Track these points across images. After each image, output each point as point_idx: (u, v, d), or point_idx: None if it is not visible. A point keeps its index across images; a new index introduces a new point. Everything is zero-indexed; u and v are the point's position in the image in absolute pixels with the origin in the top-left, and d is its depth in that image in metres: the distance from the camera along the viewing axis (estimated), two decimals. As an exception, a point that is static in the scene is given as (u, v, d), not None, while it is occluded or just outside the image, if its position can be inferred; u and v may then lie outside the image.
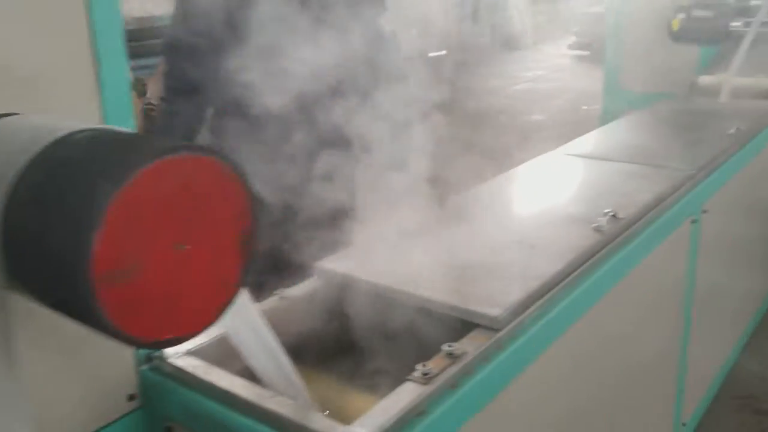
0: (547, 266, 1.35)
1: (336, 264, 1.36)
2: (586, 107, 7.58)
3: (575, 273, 1.39)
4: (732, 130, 2.29)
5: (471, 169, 2.74)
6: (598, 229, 1.53)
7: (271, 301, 1.29)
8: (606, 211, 1.58)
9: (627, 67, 3.72)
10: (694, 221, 1.95)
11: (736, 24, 3.23)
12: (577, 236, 1.51)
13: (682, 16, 3.31)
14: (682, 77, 3.45)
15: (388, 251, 1.38)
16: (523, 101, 8.36)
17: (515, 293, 1.24)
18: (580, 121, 6.74)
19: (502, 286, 1.28)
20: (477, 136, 6.46)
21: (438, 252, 1.40)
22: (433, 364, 1.05)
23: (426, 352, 1.11)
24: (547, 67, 10.84)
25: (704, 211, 2.01)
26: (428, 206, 1.59)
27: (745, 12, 3.27)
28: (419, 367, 1.03)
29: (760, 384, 2.56)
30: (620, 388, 1.69)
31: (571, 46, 11.72)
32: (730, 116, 2.57)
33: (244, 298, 0.86)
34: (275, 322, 1.27)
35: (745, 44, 3.04)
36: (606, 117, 3.79)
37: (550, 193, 1.81)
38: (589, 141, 2.36)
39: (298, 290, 1.33)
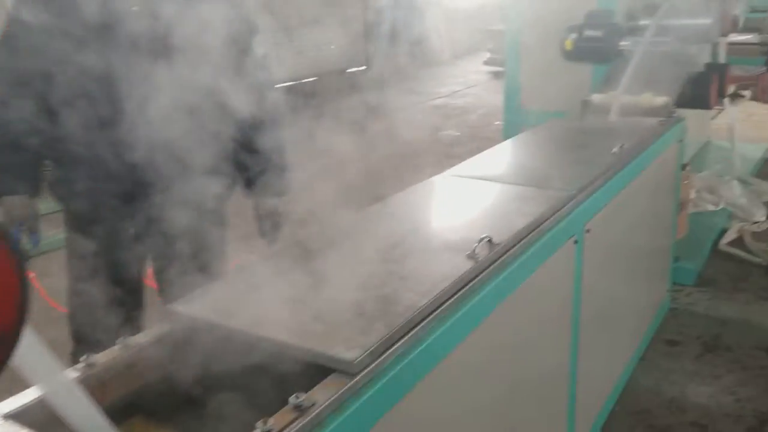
0: (416, 299, 1.30)
1: (186, 306, 1.27)
2: (498, 122, 7.72)
3: (446, 305, 1.34)
4: (616, 149, 2.32)
5: (364, 194, 2.69)
6: (472, 256, 1.50)
7: (113, 351, 1.18)
8: (482, 236, 1.55)
9: (526, 85, 3.79)
10: (576, 241, 1.95)
11: (625, 43, 3.32)
12: (451, 265, 1.47)
13: (574, 36, 3.38)
14: (578, 96, 3.52)
15: (244, 290, 1.29)
16: (439, 116, 8.43)
17: (376, 332, 1.18)
18: (492, 137, 6.84)
19: (364, 325, 1.21)
20: (383, 155, 6.44)
21: (299, 290, 1.33)
22: (276, 420, 0.97)
23: (278, 401, 1.04)
24: (463, 82, 11.01)
25: (587, 231, 2.02)
26: (296, 237, 1.52)
27: (634, 31, 3.37)
28: (259, 425, 0.95)
29: (654, 399, 2.60)
30: (507, 416, 1.66)
31: (486, 62, 11.94)
32: (616, 134, 2.62)
33: (53, 361, 0.78)
34: (115, 373, 1.17)
35: (633, 64, 3.12)
36: (507, 135, 3.84)
37: (428, 219, 1.77)
38: (478, 162, 2.34)
39: (144, 337, 1.23)
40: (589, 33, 3.38)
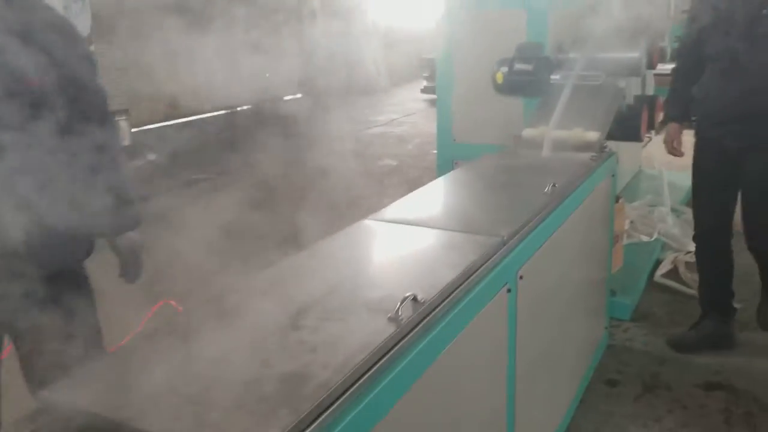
0: (328, 377, 1.15)
1: (54, 393, 1.08)
2: (435, 151, 7.72)
3: (363, 379, 1.20)
4: (548, 188, 2.24)
5: (282, 241, 2.53)
6: (394, 319, 1.36)
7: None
8: (406, 294, 1.42)
9: (458, 118, 3.72)
10: (509, 290, 1.84)
11: (555, 77, 3.29)
12: (370, 330, 1.32)
13: (505, 69, 3.33)
14: (511, 129, 3.47)
15: (122, 373, 1.12)
16: (376, 145, 8.36)
17: (280, 421, 1.02)
18: (430, 167, 6.79)
19: (265, 411, 1.05)
20: (315, 189, 6.29)
21: (183, 371, 1.16)
22: None
23: None
24: (401, 110, 11.01)
25: (520, 277, 1.91)
26: (192, 300, 1.35)
27: (565, 65, 3.35)
28: None
29: (594, 443, 2.51)
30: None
31: (423, 90, 12.00)
32: (548, 172, 2.55)
33: None
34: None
35: (563, 98, 3.08)
36: (441, 169, 3.76)
37: (347, 274, 1.62)
38: (405, 204, 2.22)
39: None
40: (519, 66, 3.33)
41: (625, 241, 4.09)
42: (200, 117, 10.55)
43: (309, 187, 6.39)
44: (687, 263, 4.04)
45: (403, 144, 8.34)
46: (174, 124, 9.92)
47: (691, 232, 4.44)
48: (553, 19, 3.48)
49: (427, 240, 1.89)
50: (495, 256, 1.78)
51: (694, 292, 3.76)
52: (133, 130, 8.45)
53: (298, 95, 12.76)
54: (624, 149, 4.47)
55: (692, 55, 3.10)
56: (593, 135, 2.98)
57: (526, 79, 3.32)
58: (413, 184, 2.67)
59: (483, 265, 1.71)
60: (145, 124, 9.53)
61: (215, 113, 11.08)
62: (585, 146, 3.00)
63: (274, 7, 11.82)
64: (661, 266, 4.00)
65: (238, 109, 11.91)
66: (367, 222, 2.03)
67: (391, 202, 2.33)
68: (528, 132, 3.11)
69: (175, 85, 10.77)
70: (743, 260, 3.28)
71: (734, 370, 2.98)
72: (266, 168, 7.16)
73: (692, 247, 4.30)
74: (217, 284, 1.69)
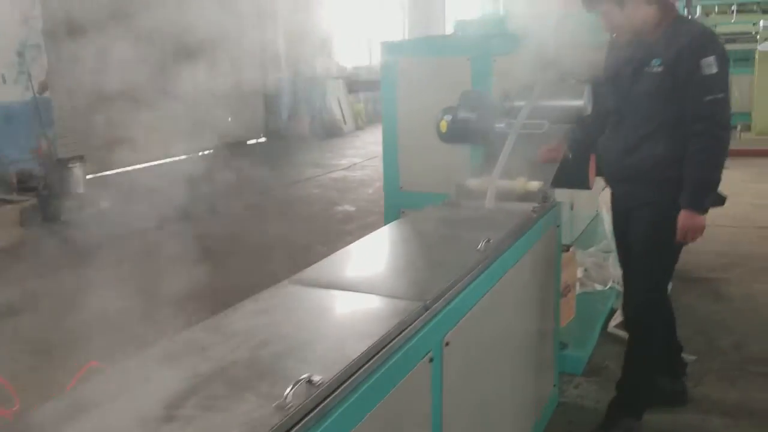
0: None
1: None
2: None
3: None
4: (481, 245, 2.13)
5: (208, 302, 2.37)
6: (281, 407, 1.21)
7: None
8: (300, 376, 1.27)
9: (405, 167, 3.62)
10: (432, 359, 1.70)
11: (500, 125, 3.22)
12: (253, 421, 1.17)
13: (449, 117, 3.26)
14: (457, 178, 3.38)
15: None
16: (336, 190, 8.25)
17: None
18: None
19: None
20: (268, 237, 6.14)
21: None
22: None
23: None
24: (363, 154, 10.96)
25: (446, 344, 1.78)
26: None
27: (510, 113, 3.28)
28: None
29: None
30: None
31: (387, 134, 11.99)
32: (487, 225, 2.45)
33: None
34: None
35: (507, 147, 3.00)
36: (388, 219, 3.65)
37: (243, 350, 1.47)
38: (329, 264, 2.08)
39: None
40: (463, 115, 3.26)
41: (578, 290, 3.99)
42: (162, 162, 10.36)
43: (258, 238, 6.23)
44: (641, 312, 3.95)
45: (363, 188, 8.25)
46: (134, 170, 9.71)
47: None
48: (499, 67, 3.43)
49: (344, 306, 1.75)
50: (415, 323, 1.64)
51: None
52: (89, 176, 8.23)
53: (262, 139, 12.67)
54: (581, 194, 4.41)
55: (596, 108, 3.04)
56: (535, 185, 2.89)
57: (471, 127, 3.24)
58: (370, 229, 2.58)
59: (401, 333, 1.58)
60: (106, 170, 9.32)
61: (176, 158, 10.88)
62: (528, 196, 2.91)
63: (236, 54, 11.80)
64: (615, 316, 3.90)
65: (200, 153, 11.78)
66: (284, 285, 1.89)
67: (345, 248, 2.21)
68: (472, 182, 3.01)
69: (136, 130, 10.63)
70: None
71: (687, 427, 2.86)
72: (216, 217, 7.00)
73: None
74: (101, 363, 1.53)
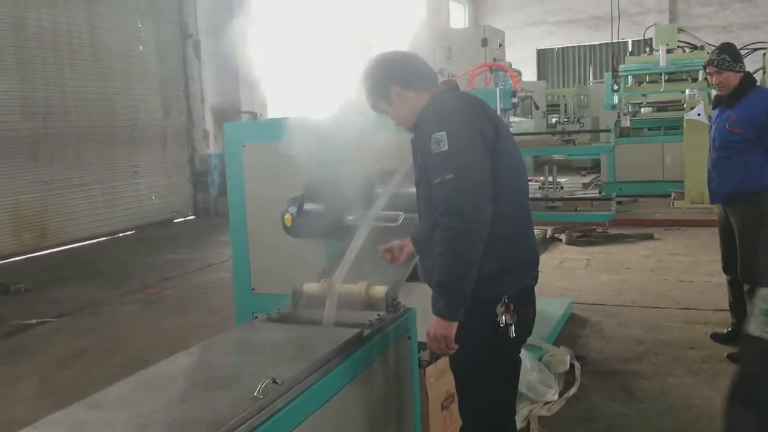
0: None
1: None
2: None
3: None
4: (257, 390, 1.66)
5: None
6: None
7: None
8: None
9: (255, 266, 3.17)
10: None
11: (351, 218, 2.82)
12: None
13: (293, 209, 2.85)
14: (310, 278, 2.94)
15: None
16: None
17: None
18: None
19: None
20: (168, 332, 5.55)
21: None
22: None
23: None
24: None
25: None
26: None
27: (367, 202, 2.88)
28: None
29: None
30: None
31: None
32: (296, 351, 2.00)
33: None
34: None
35: (354, 244, 2.59)
36: (241, 321, 3.17)
37: None
38: (83, 408, 1.59)
39: None
40: (309, 207, 2.86)
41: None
42: (77, 245, 9.77)
43: (145, 333, 5.65)
44: (541, 418, 3.49)
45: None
46: (42, 255, 9.08)
47: (552, 378, 3.96)
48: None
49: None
50: None
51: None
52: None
53: (191, 216, 12.17)
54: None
55: None
56: (380, 290, 2.46)
57: (319, 220, 2.84)
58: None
59: None
60: (8, 257, 8.69)
61: (94, 240, 10.31)
62: (374, 303, 2.48)
63: (161, 133, 11.43)
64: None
65: (121, 234, 11.20)
66: None
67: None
68: (310, 287, 2.57)
69: (48, 212, 10.06)
70: None
71: None
72: (103, 312, 6.42)
73: (552, 396, 3.79)
74: None
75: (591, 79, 18.72)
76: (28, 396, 4.35)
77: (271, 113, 11.19)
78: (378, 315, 2.35)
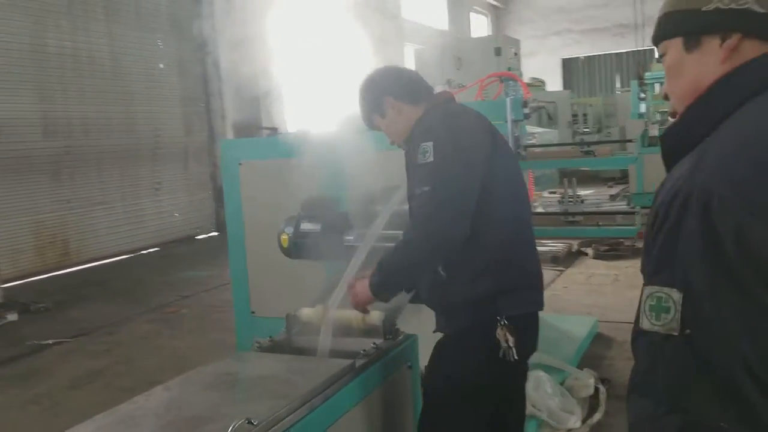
0: None
1: None
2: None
3: None
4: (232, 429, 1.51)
5: None
6: None
7: None
8: None
9: (256, 287, 3.04)
10: None
11: (350, 238, 2.68)
12: None
13: (289, 229, 2.72)
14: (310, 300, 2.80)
15: None
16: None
17: None
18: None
19: None
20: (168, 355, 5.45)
21: None
22: None
23: None
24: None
25: None
26: None
27: (367, 221, 2.73)
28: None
29: None
30: None
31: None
32: (282, 385, 1.85)
33: None
34: None
35: (351, 265, 2.44)
36: (242, 349, 3.03)
37: None
38: None
39: None
40: (306, 226, 2.72)
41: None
42: (99, 263, 9.81)
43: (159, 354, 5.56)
44: (562, 448, 3.29)
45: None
46: (65, 274, 9.11)
47: (574, 403, 3.73)
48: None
49: None
50: None
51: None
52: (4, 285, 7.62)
53: (213, 233, 12.13)
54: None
55: None
56: (376, 316, 2.30)
57: (316, 241, 2.70)
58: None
59: None
60: (31, 275, 8.73)
61: (117, 258, 10.35)
62: (371, 330, 2.32)
63: (183, 149, 11.45)
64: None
65: (144, 252, 11.21)
66: None
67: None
68: (305, 312, 2.43)
69: (70, 231, 10.10)
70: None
71: None
72: (117, 331, 6.35)
73: (575, 423, 3.57)
74: None
75: (618, 88, 18.38)
76: (35, 420, 4.29)
77: (291, 128, 11.16)
78: (374, 343, 2.19)
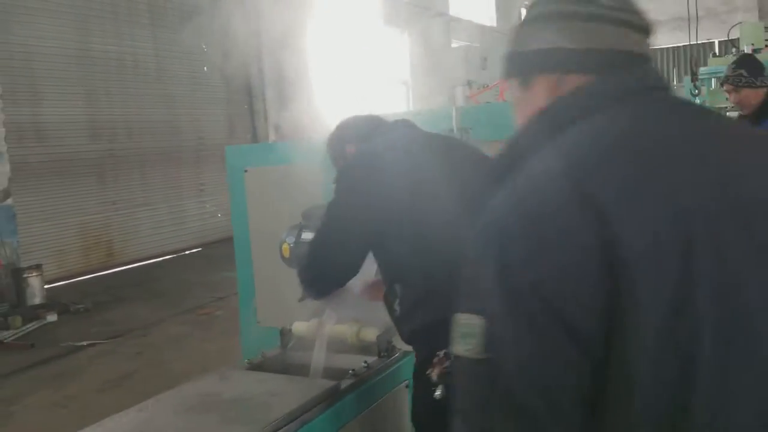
0: None
1: None
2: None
3: None
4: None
5: None
6: None
7: None
8: None
9: (261, 299, 2.95)
10: None
11: (352, 248, 2.55)
12: None
13: (291, 239, 2.61)
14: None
15: None
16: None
17: None
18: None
19: None
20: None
21: None
22: None
23: None
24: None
25: None
26: None
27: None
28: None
29: None
30: None
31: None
32: (261, 405, 1.75)
33: None
34: None
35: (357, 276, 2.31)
36: (247, 355, 2.94)
37: None
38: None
39: None
40: (307, 236, 2.61)
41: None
42: (143, 264, 9.96)
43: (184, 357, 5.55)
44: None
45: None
46: (108, 274, 9.28)
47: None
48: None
49: None
50: None
51: None
52: (47, 285, 7.79)
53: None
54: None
55: None
56: (371, 333, 2.17)
57: (317, 251, 2.58)
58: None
59: None
60: (77, 276, 8.92)
61: (160, 258, 10.50)
62: (366, 347, 2.20)
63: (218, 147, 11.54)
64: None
65: (187, 252, 11.34)
66: None
67: None
68: (299, 326, 2.32)
69: (114, 232, 10.29)
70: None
71: None
72: (152, 333, 6.36)
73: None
74: None
75: (674, 83, 17.71)
76: (60, 423, 4.32)
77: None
78: (365, 362, 2.07)
